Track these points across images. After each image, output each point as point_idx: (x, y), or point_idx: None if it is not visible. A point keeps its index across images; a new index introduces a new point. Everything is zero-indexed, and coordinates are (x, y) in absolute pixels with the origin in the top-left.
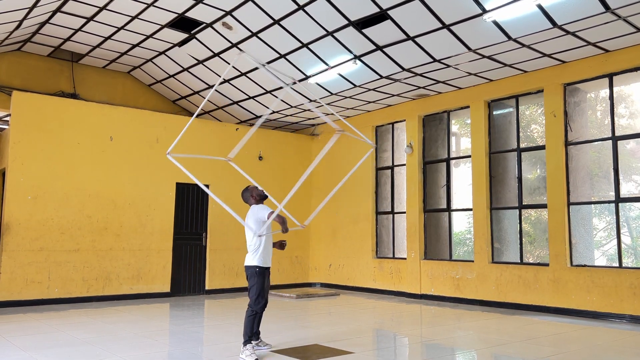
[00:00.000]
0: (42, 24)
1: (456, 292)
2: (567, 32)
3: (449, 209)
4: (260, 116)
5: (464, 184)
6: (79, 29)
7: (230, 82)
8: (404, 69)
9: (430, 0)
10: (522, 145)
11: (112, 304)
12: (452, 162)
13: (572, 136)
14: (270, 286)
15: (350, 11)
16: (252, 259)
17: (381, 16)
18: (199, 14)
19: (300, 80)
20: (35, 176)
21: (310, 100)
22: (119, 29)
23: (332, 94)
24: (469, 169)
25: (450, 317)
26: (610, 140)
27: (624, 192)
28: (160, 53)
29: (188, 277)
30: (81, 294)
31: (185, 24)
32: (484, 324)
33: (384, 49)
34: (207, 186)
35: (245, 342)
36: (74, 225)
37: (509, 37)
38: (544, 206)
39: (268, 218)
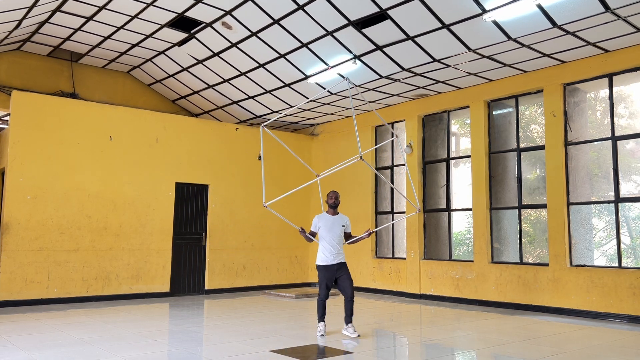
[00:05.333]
0: (42, 24)
1: (456, 292)
2: (567, 32)
3: (448, 209)
4: (257, 116)
5: (463, 184)
6: (79, 29)
7: (229, 81)
8: (403, 69)
9: (430, 0)
10: (522, 145)
11: (111, 304)
12: (452, 162)
13: (572, 136)
14: (269, 286)
15: (350, 11)
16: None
17: (381, 16)
18: (199, 13)
19: (300, 80)
20: (35, 176)
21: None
22: (118, 29)
23: (331, 93)
24: (468, 169)
25: (449, 317)
26: (610, 140)
27: (624, 192)
28: (160, 53)
29: (187, 277)
30: (81, 294)
31: (184, 24)
32: (483, 324)
33: (384, 49)
34: (206, 186)
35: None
36: (73, 225)
37: (509, 37)
38: (543, 206)
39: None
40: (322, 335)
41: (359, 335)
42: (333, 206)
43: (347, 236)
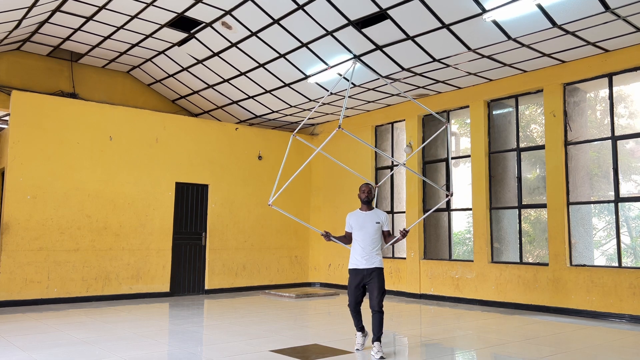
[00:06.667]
0: (42, 24)
1: (456, 291)
2: (567, 32)
3: (448, 209)
4: (257, 116)
5: (463, 183)
6: (79, 29)
7: (229, 81)
8: (403, 69)
9: (430, 0)
10: (522, 145)
11: (111, 304)
12: (452, 161)
13: (572, 136)
14: (269, 286)
15: (350, 11)
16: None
17: (381, 16)
18: (199, 13)
19: (300, 80)
20: (35, 176)
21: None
22: (118, 29)
23: (331, 93)
24: (468, 168)
25: (449, 316)
26: (610, 140)
27: (624, 191)
28: (160, 52)
29: (187, 276)
30: (80, 294)
31: (184, 24)
32: (483, 323)
33: (384, 49)
34: (206, 186)
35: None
36: (73, 225)
37: (509, 37)
38: (543, 206)
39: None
40: (358, 349)
41: (382, 358)
42: (366, 201)
43: (387, 235)
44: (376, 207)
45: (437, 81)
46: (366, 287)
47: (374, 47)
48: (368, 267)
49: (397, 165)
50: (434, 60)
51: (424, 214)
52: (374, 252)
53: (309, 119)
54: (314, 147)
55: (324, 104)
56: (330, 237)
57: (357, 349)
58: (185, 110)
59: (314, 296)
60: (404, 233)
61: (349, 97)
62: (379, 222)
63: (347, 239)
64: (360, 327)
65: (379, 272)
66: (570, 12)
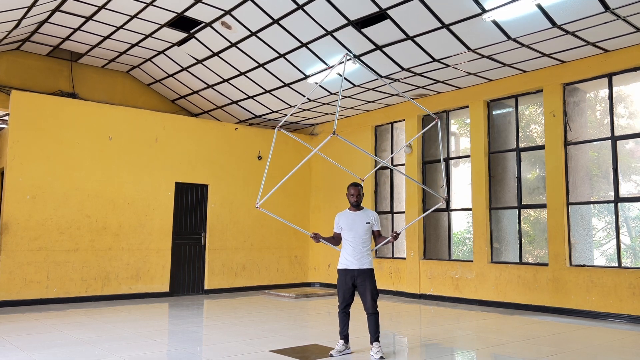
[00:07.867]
0: (41, 23)
1: (455, 292)
2: (567, 32)
3: (448, 209)
4: (257, 116)
5: (463, 183)
6: (78, 28)
7: (229, 81)
8: (403, 69)
9: (429, 0)
10: (522, 145)
11: (111, 304)
12: (452, 161)
13: (572, 136)
14: (269, 286)
15: (350, 11)
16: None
17: (380, 16)
18: (198, 13)
19: (299, 80)
20: (34, 176)
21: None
22: (118, 28)
23: (331, 93)
24: (468, 168)
25: (449, 317)
26: (610, 140)
27: (623, 192)
28: (160, 52)
29: (187, 276)
30: (80, 294)
31: (184, 24)
32: (483, 323)
33: (384, 49)
34: (206, 186)
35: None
36: (73, 225)
37: (509, 37)
38: (543, 206)
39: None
40: (332, 354)
41: (382, 358)
42: (355, 205)
43: (377, 236)
44: (375, 207)
45: (437, 81)
46: (356, 287)
47: (373, 47)
48: (359, 267)
49: (379, 168)
50: (434, 60)
51: (414, 219)
52: (365, 253)
53: (309, 118)
54: (301, 141)
55: (324, 104)
56: (320, 239)
57: (331, 354)
58: (185, 110)
59: (314, 296)
60: (395, 236)
61: (349, 97)
62: (369, 223)
63: (336, 240)
64: (344, 335)
65: (369, 273)
66: (570, 12)
